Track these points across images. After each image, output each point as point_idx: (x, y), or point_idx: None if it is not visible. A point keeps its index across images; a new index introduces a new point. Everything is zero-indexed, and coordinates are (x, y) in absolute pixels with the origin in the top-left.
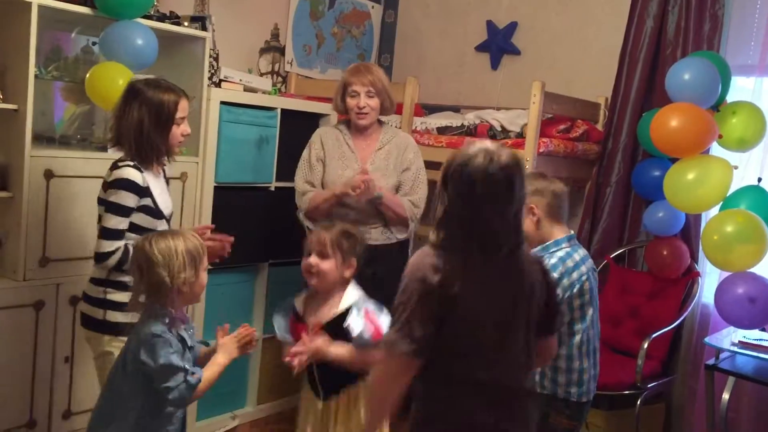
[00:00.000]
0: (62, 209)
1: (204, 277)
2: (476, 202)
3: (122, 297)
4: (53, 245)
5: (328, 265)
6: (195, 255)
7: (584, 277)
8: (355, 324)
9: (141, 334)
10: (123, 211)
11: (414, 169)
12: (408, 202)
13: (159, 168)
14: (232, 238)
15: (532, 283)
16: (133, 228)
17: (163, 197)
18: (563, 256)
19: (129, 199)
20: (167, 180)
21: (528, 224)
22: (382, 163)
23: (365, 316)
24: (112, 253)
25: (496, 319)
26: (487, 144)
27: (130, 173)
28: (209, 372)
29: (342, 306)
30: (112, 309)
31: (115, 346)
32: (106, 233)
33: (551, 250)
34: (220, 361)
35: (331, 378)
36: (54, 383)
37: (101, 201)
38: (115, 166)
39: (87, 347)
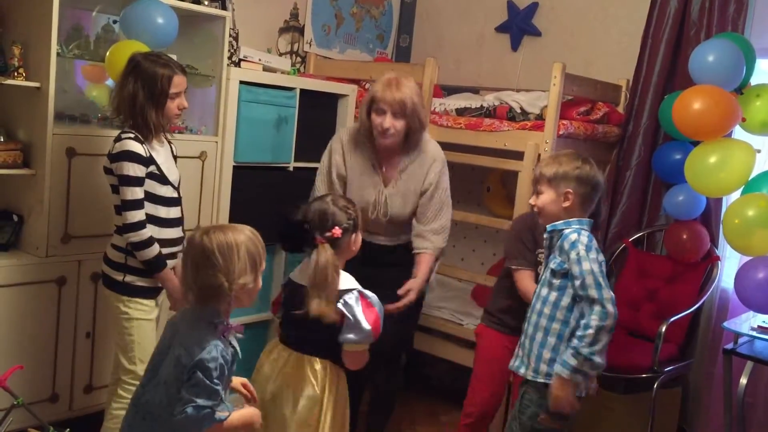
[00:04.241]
0: (84, 187)
1: (260, 282)
2: None
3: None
4: (75, 222)
5: None
6: (256, 257)
7: (603, 264)
8: (352, 302)
9: (193, 340)
10: (136, 181)
11: (436, 196)
12: (430, 257)
13: (162, 138)
14: None
15: None
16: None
17: (168, 165)
18: (589, 239)
19: (138, 170)
20: (172, 149)
21: (555, 206)
22: (403, 186)
23: (362, 301)
24: (142, 223)
25: None
26: None
27: (132, 145)
28: (237, 418)
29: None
30: (131, 273)
31: (132, 307)
32: (129, 205)
33: (574, 226)
34: (246, 414)
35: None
36: (76, 358)
37: (109, 171)
38: (118, 138)
39: (108, 323)
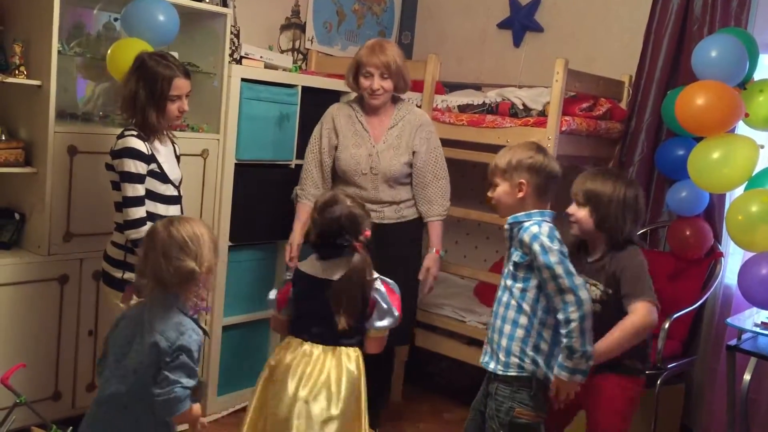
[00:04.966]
0: (86, 185)
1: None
2: None
3: None
4: (77, 221)
5: None
6: (215, 241)
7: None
8: (381, 289)
9: (169, 325)
10: (138, 178)
11: (427, 158)
12: (438, 224)
13: (165, 136)
14: None
15: None
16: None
17: (169, 164)
18: (551, 230)
19: (139, 167)
20: (175, 149)
21: (510, 197)
22: (394, 141)
23: (385, 287)
24: (143, 220)
25: None
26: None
27: (134, 142)
28: (196, 409)
29: None
30: (130, 271)
31: (130, 304)
32: (130, 202)
33: (536, 218)
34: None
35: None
36: (78, 356)
37: (110, 167)
38: (121, 135)
39: (110, 320)
